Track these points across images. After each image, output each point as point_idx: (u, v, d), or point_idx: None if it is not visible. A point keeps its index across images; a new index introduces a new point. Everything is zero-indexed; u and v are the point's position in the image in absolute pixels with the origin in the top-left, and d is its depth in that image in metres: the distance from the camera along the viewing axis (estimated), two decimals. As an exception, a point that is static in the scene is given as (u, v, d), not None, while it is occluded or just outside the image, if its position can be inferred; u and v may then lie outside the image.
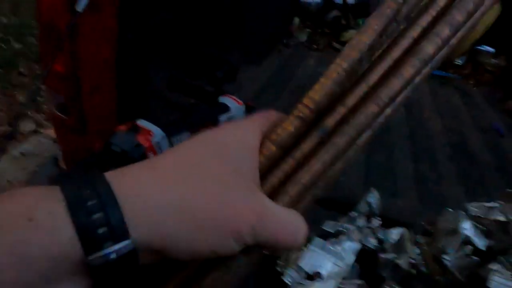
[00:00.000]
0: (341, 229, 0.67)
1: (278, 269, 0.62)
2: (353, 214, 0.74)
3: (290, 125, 0.24)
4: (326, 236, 0.65)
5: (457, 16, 0.24)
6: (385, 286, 0.58)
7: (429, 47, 0.24)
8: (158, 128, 0.73)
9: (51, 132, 1.41)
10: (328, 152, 0.24)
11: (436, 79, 1.75)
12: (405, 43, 0.24)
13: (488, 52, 1.87)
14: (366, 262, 0.64)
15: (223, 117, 0.90)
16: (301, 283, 0.57)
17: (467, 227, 0.60)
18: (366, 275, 0.62)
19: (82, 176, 0.21)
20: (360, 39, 0.24)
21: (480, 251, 0.59)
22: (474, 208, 0.69)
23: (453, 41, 0.24)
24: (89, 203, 0.20)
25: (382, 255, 0.61)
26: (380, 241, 0.68)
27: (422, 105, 1.52)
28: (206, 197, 0.21)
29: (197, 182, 0.22)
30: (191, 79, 1.06)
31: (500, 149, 1.28)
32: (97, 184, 0.21)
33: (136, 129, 0.71)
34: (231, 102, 0.93)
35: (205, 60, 1.25)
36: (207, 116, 0.87)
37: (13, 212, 0.19)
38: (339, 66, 0.24)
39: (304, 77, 1.54)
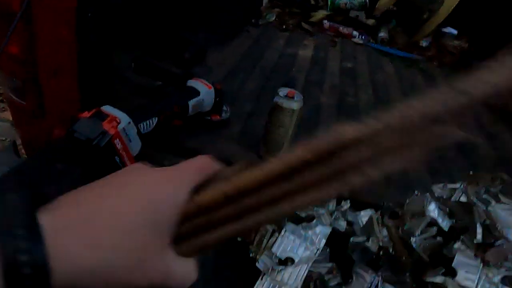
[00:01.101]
0: (312, 213, 0.68)
1: (252, 255, 0.63)
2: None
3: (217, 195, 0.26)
4: (298, 220, 0.66)
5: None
6: (355, 269, 0.60)
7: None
8: (124, 114, 0.70)
9: (9, 115, 1.33)
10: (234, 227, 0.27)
11: (401, 61, 1.78)
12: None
13: (451, 34, 1.92)
14: (337, 245, 0.65)
15: (192, 102, 0.88)
16: (274, 269, 0.58)
17: (432, 209, 0.62)
18: (336, 258, 0.63)
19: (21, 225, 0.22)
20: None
21: (444, 231, 0.61)
22: (438, 189, 0.72)
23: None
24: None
25: (352, 239, 0.63)
26: (350, 223, 0.70)
27: (388, 86, 1.54)
28: (125, 261, 0.24)
29: (120, 243, 0.24)
30: (158, 61, 1.03)
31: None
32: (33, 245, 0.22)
33: (101, 116, 0.67)
34: (200, 86, 0.91)
35: (171, 41, 1.21)
36: (175, 101, 0.85)
37: None
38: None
39: (274, 58, 1.52)
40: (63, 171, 0.73)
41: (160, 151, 0.82)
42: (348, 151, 0.24)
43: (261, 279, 0.58)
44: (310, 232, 0.61)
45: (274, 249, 0.59)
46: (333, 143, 0.24)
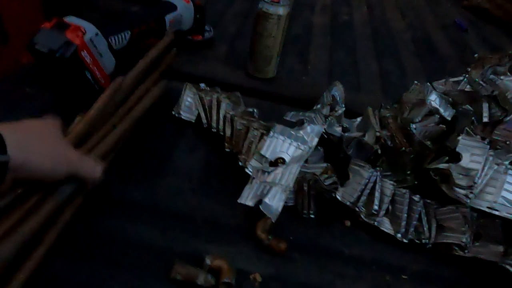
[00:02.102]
0: (303, 118, 0.63)
1: (241, 163, 0.58)
2: (317, 106, 0.69)
3: None
4: (289, 126, 0.61)
5: None
6: (351, 166, 0.56)
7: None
8: (90, 24, 0.63)
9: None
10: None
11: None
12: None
13: None
14: (331, 148, 0.61)
15: (169, 16, 0.80)
16: (264, 171, 0.53)
17: (433, 99, 0.57)
18: (331, 158, 0.59)
19: None
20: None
21: (447, 121, 0.57)
22: (440, 86, 0.66)
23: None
24: None
25: (347, 134, 0.58)
26: (345, 130, 0.65)
27: (384, 5, 1.45)
28: (47, 158, 0.41)
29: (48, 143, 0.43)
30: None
31: (462, 43, 1.26)
32: None
33: (64, 26, 0.61)
34: (178, 0, 0.83)
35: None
36: (150, 15, 0.77)
37: None
38: None
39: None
40: (33, 95, 0.68)
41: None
42: None
43: (250, 182, 0.54)
44: (301, 132, 0.56)
45: (263, 152, 0.55)
46: None
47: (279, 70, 0.89)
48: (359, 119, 0.66)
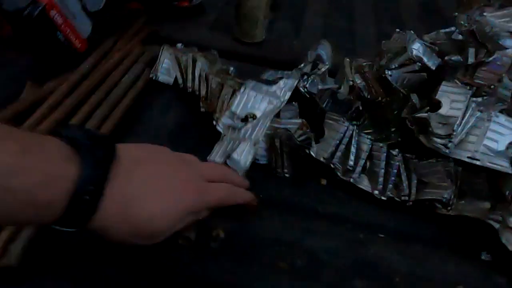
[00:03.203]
0: (281, 76, 0.60)
1: (214, 123, 0.56)
2: (300, 66, 0.66)
3: None
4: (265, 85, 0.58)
5: None
6: (326, 120, 0.53)
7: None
8: (59, -17, 0.61)
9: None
10: None
11: None
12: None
13: None
14: (308, 104, 0.58)
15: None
16: (234, 128, 0.51)
17: (416, 47, 0.53)
18: (307, 115, 0.56)
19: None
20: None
21: (431, 71, 0.52)
22: (430, 38, 0.61)
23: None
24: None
25: (320, 86, 0.55)
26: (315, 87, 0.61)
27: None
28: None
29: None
30: None
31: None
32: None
33: (32, -15, 0.59)
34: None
35: None
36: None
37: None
38: None
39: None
40: (11, 60, 0.67)
41: (118, 33, 0.74)
42: None
43: (221, 140, 0.52)
44: (274, 87, 0.53)
45: (233, 108, 0.53)
46: None
47: (269, 34, 0.85)
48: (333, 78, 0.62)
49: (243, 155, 0.48)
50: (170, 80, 0.66)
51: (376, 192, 0.51)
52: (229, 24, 0.86)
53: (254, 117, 0.52)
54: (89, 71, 0.63)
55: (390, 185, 0.51)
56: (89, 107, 0.56)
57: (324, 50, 0.68)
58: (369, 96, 0.52)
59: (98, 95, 0.59)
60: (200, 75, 0.61)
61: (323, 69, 0.63)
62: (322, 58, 0.67)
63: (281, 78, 0.59)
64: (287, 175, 0.54)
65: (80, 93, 0.58)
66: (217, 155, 0.50)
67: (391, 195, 0.51)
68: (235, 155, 0.48)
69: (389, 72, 0.49)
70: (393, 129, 0.56)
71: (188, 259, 0.43)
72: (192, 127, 0.60)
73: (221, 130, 0.53)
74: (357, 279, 0.44)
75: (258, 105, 0.52)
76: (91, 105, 0.57)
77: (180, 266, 0.42)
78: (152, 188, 0.33)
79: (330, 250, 0.46)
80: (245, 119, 0.52)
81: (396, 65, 0.49)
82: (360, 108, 0.52)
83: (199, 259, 0.43)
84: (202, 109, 0.60)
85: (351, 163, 0.51)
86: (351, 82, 0.52)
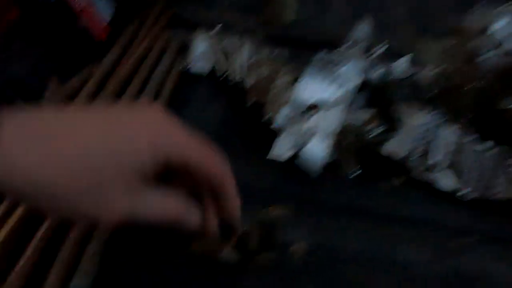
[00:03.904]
0: (337, 58, 0.52)
1: (266, 117, 0.49)
2: (347, 45, 0.58)
3: None
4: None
5: None
6: (401, 112, 0.46)
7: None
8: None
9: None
10: None
11: None
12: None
13: None
14: (375, 93, 0.51)
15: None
16: (295, 120, 0.44)
17: (500, 26, 0.46)
18: (375, 104, 0.49)
19: None
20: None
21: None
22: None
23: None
24: None
25: (394, 77, 0.48)
26: (388, 72, 0.55)
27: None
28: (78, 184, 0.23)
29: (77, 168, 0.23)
30: None
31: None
32: None
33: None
34: None
35: None
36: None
37: None
38: None
39: None
40: (22, 51, 0.59)
41: (140, 17, 0.65)
42: None
43: (282, 133, 0.44)
44: (340, 71, 0.46)
45: (295, 97, 0.45)
46: None
47: (298, 15, 0.78)
48: (403, 59, 0.55)
49: (318, 148, 0.41)
50: (206, 71, 0.59)
51: (462, 192, 0.45)
52: (256, 4, 0.78)
53: (321, 106, 0.45)
54: (113, 64, 0.56)
55: (478, 183, 0.44)
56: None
57: (364, 30, 0.61)
58: (451, 83, 0.45)
59: (130, 92, 0.51)
60: (245, 63, 0.53)
61: (380, 50, 0.56)
62: (363, 38, 0.60)
63: (338, 61, 0.52)
64: (354, 174, 0.47)
65: (109, 91, 0.51)
66: (282, 150, 0.43)
67: (478, 194, 0.45)
68: (309, 149, 0.41)
69: (480, 58, 0.42)
70: (470, 117, 0.49)
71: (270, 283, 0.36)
72: (239, 124, 0.53)
73: (277, 126, 0.46)
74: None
75: (324, 93, 0.45)
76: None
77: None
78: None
79: (418, 261, 0.40)
80: (311, 109, 0.45)
81: (485, 50, 0.43)
82: (442, 95, 0.46)
83: (278, 283, 0.37)
84: (249, 103, 0.53)
85: (434, 158, 0.44)
86: (434, 69, 0.45)
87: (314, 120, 0.43)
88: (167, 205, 0.26)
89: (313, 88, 0.46)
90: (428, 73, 0.45)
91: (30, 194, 0.21)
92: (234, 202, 0.29)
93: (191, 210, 0.28)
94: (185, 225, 0.27)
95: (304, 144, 0.41)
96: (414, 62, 0.50)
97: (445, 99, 0.47)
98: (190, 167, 0.26)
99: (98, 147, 0.22)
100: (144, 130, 0.24)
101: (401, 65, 0.52)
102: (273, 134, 0.46)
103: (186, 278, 0.36)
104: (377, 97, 0.50)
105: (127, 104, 0.27)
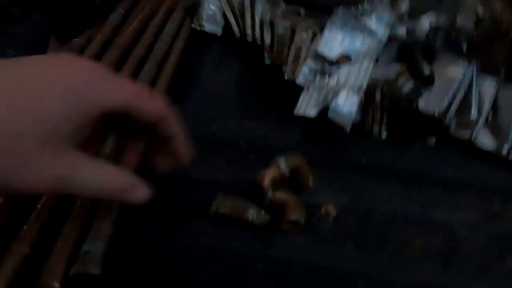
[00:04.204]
0: (360, 11, 0.48)
1: (287, 76, 0.45)
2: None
3: None
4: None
5: None
6: (436, 62, 0.42)
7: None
8: None
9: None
10: None
11: None
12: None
13: None
14: (402, 46, 0.47)
15: None
16: (324, 73, 0.40)
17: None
18: (405, 58, 0.45)
19: None
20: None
21: None
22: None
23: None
24: None
25: (423, 30, 0.44)
26: (411, 32, 0.51)
27: None
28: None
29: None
30: None
31: None
32: None
33: None
34: None
35: None
36: None
37: None
38: None
39: None
40: (20, 16, 0.55)
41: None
42: None
43: (307, 89, 0.41)
44: (367, 21, 0.42)
45: (320, 49, 0.42)
46: None
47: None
48: (425, 16, 0.51)
49: (347, 104, 0.37)
50: (218, 30, 0.55)
51: (504, 151, 0.41)
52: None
53: (348, 58, 0.41)
54: (120, 23, 0.52)
55: (523, 140, 0.41)
56: (132, 66, 0.45)
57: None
58: (493, 28, 0.41)
59: (138, 51, 0.48)
60: (261, 20, 0.49)
61: (404, 8, 0.52)
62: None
63: (361, 13, 0.48)
64: (384, 134, 0.44)
65: (117, 49, 0.47)
66: (307, 106, 0.39)
67: (523, 152, 0.41)
68: (337, 104, 0.37)
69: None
70: (503, 70, 0.45)
71: (303, 246, 0.33)
72: (258, 83, 0.49)
73: (301, 82, 0.42)
74: (510, 258, 0.35)
75: (351, 44, 0.41)
76: (133, 63, 0.46)
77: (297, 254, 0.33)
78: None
79: (463, 224, 0.37)
80: (337, 62, 0.41)
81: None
82: (478, 45, 0.42)
83: (312, 245, 0.33)
84: (267, 61, 0.49)
85: (472, 115, 0.40)
86: (479, 14, 0.41)
87: (341, 73, 0.39)
88: (109, 180, 0.25)
89: (337, 41, 0.42)
90: (462, 21, 0.41)
91: None
92: (182, 141, 0.29)
93: (136, 186, 0.26)
94: (128, 202, 0.26)
95: (332, 99, 0.38)
96: (445, 12, 0.46)
97: (482, 49, 0.43)
98: (128, 111, 0.24)
99: (5, 113, 0.20)
100: (55, 82, 0.22)
101: (431, 17, 0.48)
102: (295, 92, 0.43)
103: (213, 239, 0.33)
104: (406, 51, 0.46)
105: (38, 58, 0.24)
